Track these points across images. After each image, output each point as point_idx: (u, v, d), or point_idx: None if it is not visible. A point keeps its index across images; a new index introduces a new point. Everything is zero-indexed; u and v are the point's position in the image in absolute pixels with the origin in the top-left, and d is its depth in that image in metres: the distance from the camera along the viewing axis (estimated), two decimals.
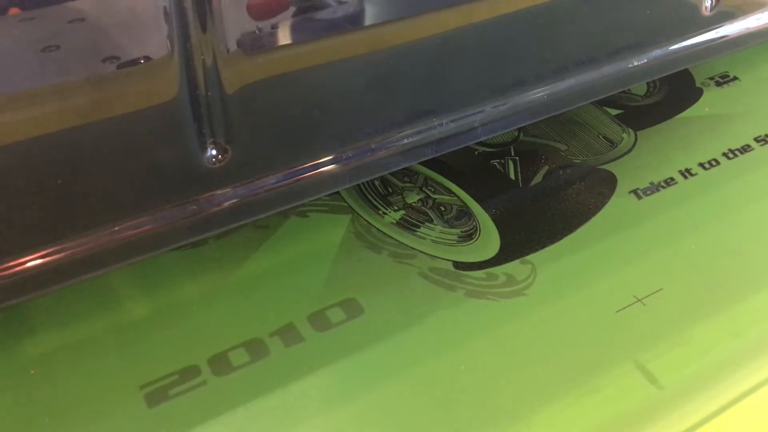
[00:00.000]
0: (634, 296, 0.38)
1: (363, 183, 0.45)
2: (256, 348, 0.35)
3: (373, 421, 0.33)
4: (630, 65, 0.45)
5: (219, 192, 0.35)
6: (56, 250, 0.33)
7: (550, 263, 0.40)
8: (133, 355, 0.35)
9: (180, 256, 0.40)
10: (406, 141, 0.39)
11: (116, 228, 0.33)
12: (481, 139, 0.42)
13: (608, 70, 0.44)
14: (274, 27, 0.34)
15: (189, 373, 0.34)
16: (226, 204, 0.35)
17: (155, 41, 0.31)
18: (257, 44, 0.33)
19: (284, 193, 0.37)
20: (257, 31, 0.33)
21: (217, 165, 0.34)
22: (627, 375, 0.34)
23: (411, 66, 0.38)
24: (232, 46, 0.32)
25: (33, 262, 0.32)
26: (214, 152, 0.34)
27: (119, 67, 0.30)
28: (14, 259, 0.32)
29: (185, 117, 0.33)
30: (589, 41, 0.43)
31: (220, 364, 0.35)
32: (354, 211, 0.43)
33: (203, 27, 0.32)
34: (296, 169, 0.37)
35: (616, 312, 0.37)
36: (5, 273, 0.32)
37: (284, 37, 0.34)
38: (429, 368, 0.35)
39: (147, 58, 0.31)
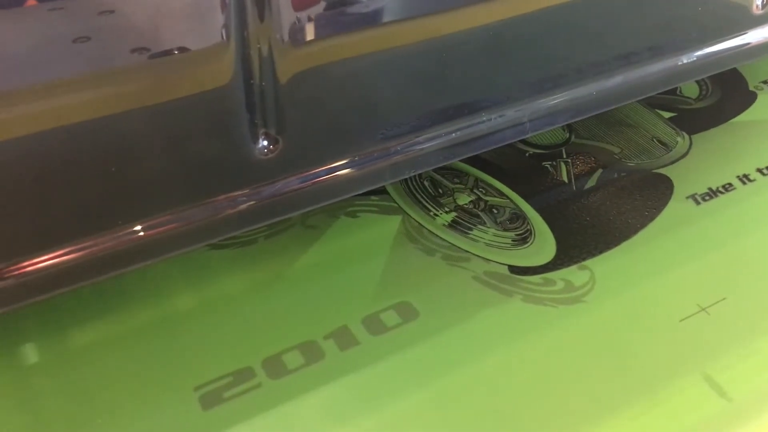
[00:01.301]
0: (698, 305, 0.37)
1: (412, 183, 0.45)
2: (310, 350, 0.35)
3: (425, 423, 0.32)
4: (679, 63, 0.44)
5: (269, 183, 0.35)
6: (102, 240, 0.32)
7: (609, 269, 0.39)
8: (185, 354, 0.34)
9: (229, 255, 0.40)
10: (454, 135, 0.38)
11: (165, 219, 0.33)
12: (529, 135, 0.41)
13: (657, 67, 0.43)
14: (328, 17, 0.33)
15: (243, 374, 0.34)
16: (276, 196, 0.35)
17: (212, 29, 0.31)
18: (312, 34, 0.33)
19: (333, 186, 0.36)
20: (312, 21, 0.32)
21: (268, 156, 0.34)
22: (695, 387, 0.33)
23: (462, 58, 0.37)
24: (288, 36, 0.32)
25: (83, 251, 0.32)
26: (265, 143, 0.33)
27: (174, 55, 0.30)
28: (63, 248, 0.32)
29: (238, 107, 0.32)
30: (639, 38, 0.42)
31: (274, 366, 0.34)
32: (404, 212, 0.43)
33: (261, 16, 0.31)
34: (345, 161, 0.36)
35: (680, 321, 0.36)
36: (55, 262, 0.32)
37: (337, 28, 0.33)
38: (486, 374, 0.34)
39: (203, 47, 0.30)
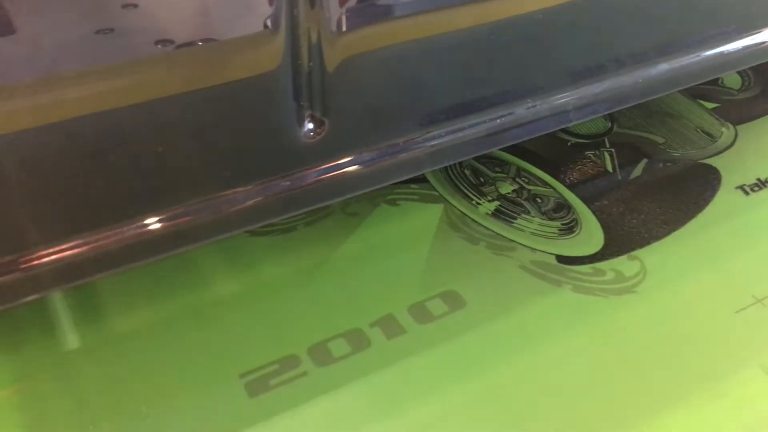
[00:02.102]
0: (753, 296, 0.36)
1: (453, 172, 0.44)
2: (356, 339, 0.34)
3: (475, 414, 0.31)
4: (723, 52, 0.43)
5: (313, 168, 0.34)
6: (147, 223, 0.31)
7: (660, 259, 0.38)
8: (228, 340, 0.34)
9: (269, 242, 0.39)
10: (498, 122, 0.37)
11: (211, 202, 0.32)
12: (573, 123, 0.40)
13: (701, 56, 0.42)
14: (375, 4, 0.32)
15: (289, 362, 0.33)
16: (320, 180, 0.34)
17: (263, 15, 0.30)
18: (360, 19, 0.32)
19: (378, 172, 0.36)
20: (360, 8, 0.32)
21: (313, 140, 0.33)
22: (754, 380, 0.32)
23: (505, 45, 0.36)
24: (336, 22, 0.31)
25: (129, 232, 0.31)
26: (311, 126, 0.33)
27: (225, 39, 0.29)
28: (112, 229, 0.31)
29: (285, 90, 0.32)
30: (683, 27, 0.42)
31: (320, 353, 0.33)
32: (446, 200, 0.42)
33: (311, 3, 0.30)
34: (390, 146, 0.36)
35: (736, 312, 0.35)
36: (98, 244, 0.31)
37: (384, 14, 0.33)
38: (537, 364, 0.33)
39: (254, 30, 0.30)
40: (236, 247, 0.38)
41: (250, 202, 0.33)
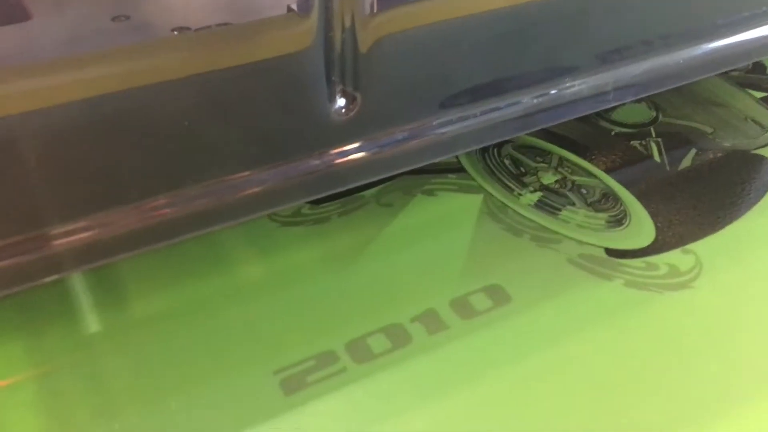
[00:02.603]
0: None
1: (492, 161, 0.42)
2: (396, 334, 0.32)
3: (523, 408, 0.29)
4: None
5: (345, 146, 0.32)
6: (170, 202, 0.30)
7: (716, 253, 0.35)
8: (260, 332, 0.32)
9: (301, 233, 0.37)
10: (535, 101, 0.35)
11: (236, 181, 0.30)
12: (612, 105, 0.39)
13: (744, 38, 0.41)
14: None
15: (326, 358, 0.31)
16: (351, 160, 0.33)
17: None
18: None
19: (410, 152, 0.34)
20: None
21: (345, 117, 0.31)
22: None
23: (546, 23, 0.34)
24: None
25: (152, 211, 0.30)
26: (342, 102, 0.31)
27: (257, 16, 0.28)
28: (133, 208, 0.29)
29: (317, 66, 0.30)
30: (728, 6, 0.40)
31: (359, 349, 0.31)
32: (485, 190, 0.40)
33: None
34: (423, 126, 0.34)
35: None
36: (127, 221, 0.29)
37: None
38: (590, 364, 0.31)
39: (286, 9, 0.28)
40: (265, 235, 0.36)
41: (277, 183, 0.31)
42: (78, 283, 0.34)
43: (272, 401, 0.29)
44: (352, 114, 0.31)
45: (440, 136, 0.34)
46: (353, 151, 0.33)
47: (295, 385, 0.30)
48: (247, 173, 0.31)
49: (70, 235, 0.28)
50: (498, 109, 0.35)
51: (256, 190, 0.31)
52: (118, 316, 0.32)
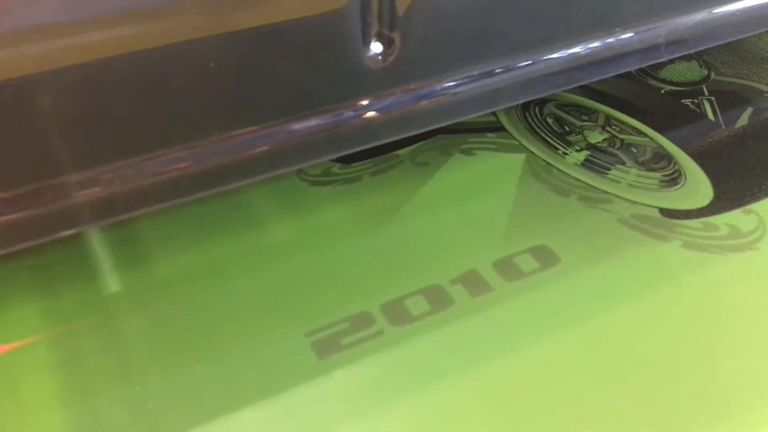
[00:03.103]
0: None
1: (534, 120, 0.39)
2: (436, 296, 0.30)
3: (578, 367, 0.27)
4: None
5: (380, 97, 0.30)
6: (193, 155, 0.28)
7: None
8: (289, 293, 0.30)
9: (331, 192, 0.35)
10: (583, 53, 0.33)
11: (261, 134, 0.28)
12: (665, 59, 0.36)
13: None
14: None
15: (361, 320, 0.29)
16: (386, 112, 0.30)
17: None
18: None
19: (451, 105, 0.32)
20: None
21: (381, 64, 0.29)
22: None
23: None
24: None
25: (174, 165, 0.27)
26: (378, 48, 0.28)
27: None
28: (153, 160, 0.27)
29: (351, 4, 0.28)
30: None
31: (396, 312, 0.29)
32: (528, 149, 0.37)
33: None
34: (466, 77, 0.31)
35: None
36: (147, 173, 0.27)
37: None
38: (649, 328, 0.28)
39: None
40: (294, 195, 0.34)
41: (305, 136, 0.29)
42: (97, 242, 0.32)
43: (304, 365, 0.27)
44: (388, 61, 0.29)
45: (483, 88, 0.32)
46: (389, 103, 0.30)
47: (329, 348, 0.28)
48: (273, 126, 0.29)
49: (86, 186, 0.27)
50: (543, 60, 0.32)
51: (282, 143, 0.29)
52: (139, 276, 0.30)
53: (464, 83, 0.31)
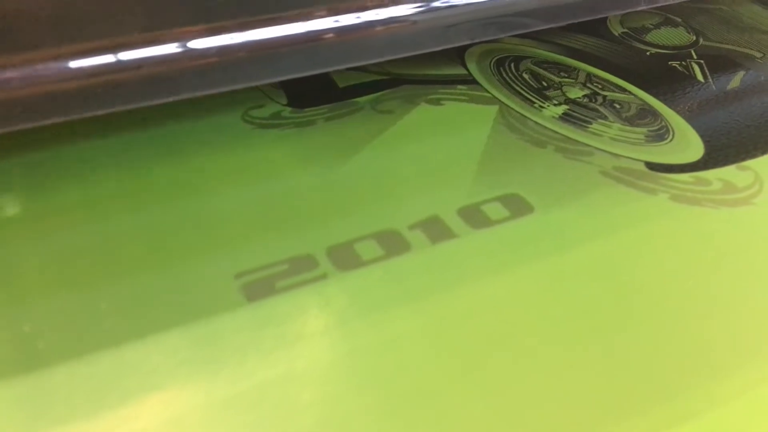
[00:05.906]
0: None
1: (508, 75, 0.36)
2: (391, 241, 0.26)
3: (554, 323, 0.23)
4: None
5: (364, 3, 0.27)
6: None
7: None
8: (220, 234, 0.25)
9: (279, 135, 0.31)
10: None
11: (196, 36, 0.25)
12: (644, 8, 0.33)
13: None
14: None
15: (302, 263, 0.24)
16: (374, 26, 0.27)
17: None
18: None
19: (411, 35, 0.29)
20: None
21: None
22: None
23: None
24: None
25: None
26: None
27: None
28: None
29: None
30: None
31: (344, 255, 0.25)
32: (501, 102, 0.34)
33: None
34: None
35: None
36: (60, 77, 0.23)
37: None
38: (632, 280, 0.25)
39: None
40: (235, 134, 0.30)
41: (258, 45, 0.25)
42: None
43: (231, 308, 0.23)
44: None
45: (443, 20, 0.29)
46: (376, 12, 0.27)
47: (261, 291, 0.23)
48: (214, 27, 0.25)
49: None
50: None
51: (229, 52, 0.25)
52: (39, 201, 0.26)
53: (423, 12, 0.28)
